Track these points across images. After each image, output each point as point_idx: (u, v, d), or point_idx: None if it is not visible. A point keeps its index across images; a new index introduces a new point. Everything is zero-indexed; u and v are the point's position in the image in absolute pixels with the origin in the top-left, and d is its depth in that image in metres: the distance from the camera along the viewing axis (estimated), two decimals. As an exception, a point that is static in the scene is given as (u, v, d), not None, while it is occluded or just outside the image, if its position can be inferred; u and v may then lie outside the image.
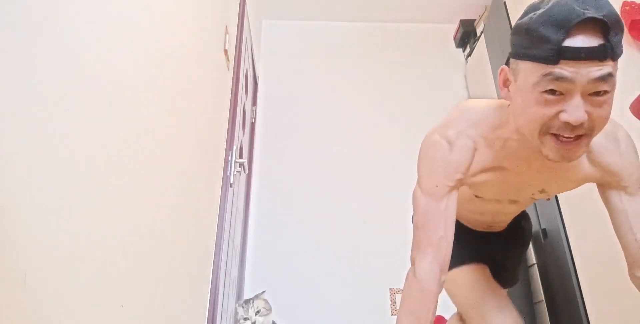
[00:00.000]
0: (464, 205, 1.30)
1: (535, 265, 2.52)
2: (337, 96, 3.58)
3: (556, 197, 2.35)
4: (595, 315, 2.05)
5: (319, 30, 3.82)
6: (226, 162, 2.11)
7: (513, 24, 0.97)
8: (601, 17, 0.85)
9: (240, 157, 2.68)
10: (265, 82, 3.62)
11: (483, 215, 1.41)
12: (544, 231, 2.45)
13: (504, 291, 1.43)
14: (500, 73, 1.03)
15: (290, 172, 3.31)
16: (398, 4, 3.68)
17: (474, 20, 3.67)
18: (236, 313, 2.33)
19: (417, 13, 3.76)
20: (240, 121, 2.60)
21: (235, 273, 2.64)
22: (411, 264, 1.09)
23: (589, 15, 0.84)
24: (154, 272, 1.17)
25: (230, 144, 2.17)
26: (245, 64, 2.87)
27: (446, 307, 1.57)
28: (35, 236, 0.67)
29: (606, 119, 0.92)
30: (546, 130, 0.93)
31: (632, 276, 1.11)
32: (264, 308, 2.30)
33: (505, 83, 1.02)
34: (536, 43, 0.89)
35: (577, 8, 0.85)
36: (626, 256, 1.11)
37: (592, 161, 1.09)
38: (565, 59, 0.86)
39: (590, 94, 0.88)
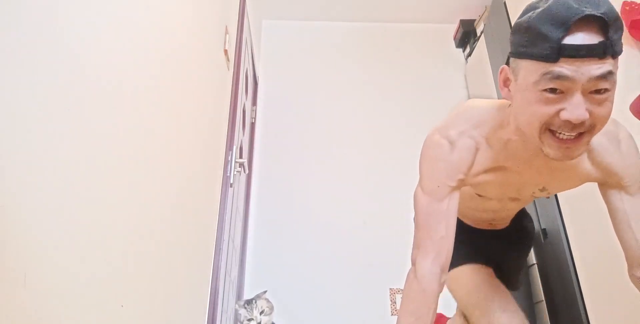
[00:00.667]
0: (464, 203, 1.30)
1: (535, 265, 2.52)
2: (337, 96, 3.58)
3: (556, 197, 2.35)
4: (595, 315, 2.05)
5: (319, 30, 3.82)
6: (226, 162, 2.11)
7: (513, 24, 0.97)
8: (600, 15, 0.84)
9: (240, 157, 2.68)
10: (265, 82, 3.62)
11: (484, 212, 1.41)
12: (544, 231, 2.45)
13: (508, 291, 1.42)
14: (500, 73, 1.03)
15: (290, 172, 3.31)
16: (398, 4, 3.67)
17: (474, 20, 3.67)
18: (237, 314, 2.32)
19: (417, 13, 3.76)
20: (240, 121, 2.60)
21: (235, 273, 2.64)
22: (412, 264, 1.09)
23: (588, 12, 0.84)
24: (154, 272, 1.17)
25: (230, 144, 2.17)
26: (245, 64, 2.87)
27: (447, 305, 1.57)
28: (35, 236, 0.67)
29: (607, 117, 0.92)
30: (546, 128, 0.93)
31: (632, 276, 1.11)
32: (267, 307, 2.30)
33: (506, 82, 1.02)
34: (536, 41, 0.89)
35: (576, 6, 0.85)
36: (626, 255, 1.11)
37: (593, 161, 1.09)
38: (565, 56, 0.86)
39: (590, 92, 0.88)
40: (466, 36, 3.67)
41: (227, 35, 2.19)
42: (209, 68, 1.86)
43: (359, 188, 3.26)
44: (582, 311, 2.10)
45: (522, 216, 1.53)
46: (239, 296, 2.75)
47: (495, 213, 1.40)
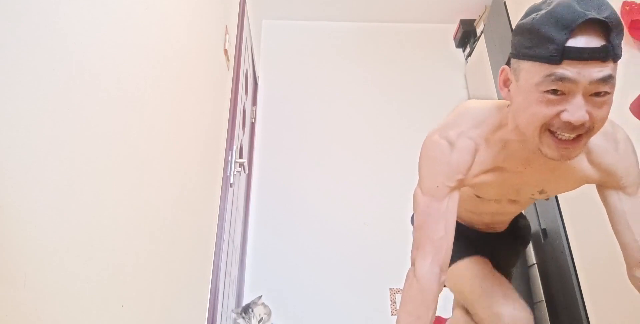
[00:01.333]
0: (463, 205, 1.30)
1: (535, 265, 2.51)
2: (337, 96, 3.58)
3: (556, 197, 2.35)
4: (595, 315, 2.05)
5: (319, 30, 3.82)
6: (226, 162, 2.11)
7: (513, 24, 0.97)
8: (604, 19, 0.85)
9: (240, 157, 2.68)
10: (265, 82, 3.62)
11: (482, 215, 1.41)
12: (544, 231, 2.45)
13: (508, 282, 1.42)
14: (500, 73, 1.03)
15: (290, 172, 3.31)
16: (398, 4, 3.68)
17: (474, 20, 3.67)
18: (235, 323, 2.26)
19: (417, 13, 3.76)
20: (240, 121, 2.60)
21: (235, 273, 2.64)
22: (411, 265, 1.09)
23: (592, 16, 0.85)
24: (154, 272, 1.17)
25: (230, 144, 2.17)
26: (245, 64, 2.87)
27: (445, 308, 1.57)
28: (35, 236, 0.67)
29: (605, 119, 0.93)
30: (546, 128, 0.94)
31: (631, 276, 1.11)
32: (265, 314, 2.26)
33: (506, 83, 1.02)
34: (539, 43, 0.89)
35: (580, 9, 0.86)
36: (625, 256, 1.11)
37: (592, 162, 1.10)
38: (568, 59, 0.87)
39: (591, 95, 0.89)
40: (466, 36, 3.67)
41: (227, 35, 2.19)
42: (209, 68, 1.86)
43: (359, 188, 3.26)
44: (582, 311, 2.10)
45: (517, 217, 1.53)
46: (239, 296, 2.75)
47: (494, 216, 1.41)
